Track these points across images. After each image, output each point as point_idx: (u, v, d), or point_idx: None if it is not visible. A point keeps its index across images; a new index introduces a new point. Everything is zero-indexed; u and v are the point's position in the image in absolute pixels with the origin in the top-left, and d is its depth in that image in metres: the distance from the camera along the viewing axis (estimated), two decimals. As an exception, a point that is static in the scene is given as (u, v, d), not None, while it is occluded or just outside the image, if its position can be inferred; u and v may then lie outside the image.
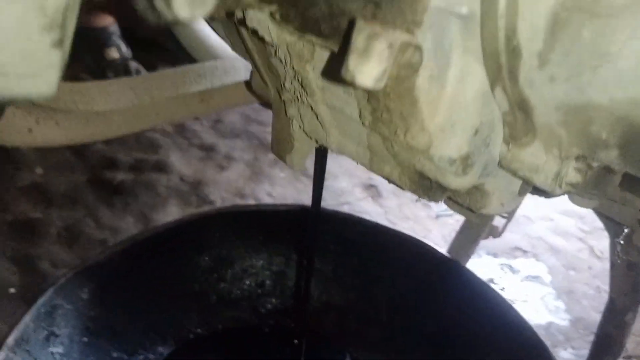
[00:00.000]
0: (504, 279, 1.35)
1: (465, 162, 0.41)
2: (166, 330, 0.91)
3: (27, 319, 0.78)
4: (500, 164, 0.43)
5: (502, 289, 1.30)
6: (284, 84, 0.50)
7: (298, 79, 0.47)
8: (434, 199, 0.46)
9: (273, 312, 1.00)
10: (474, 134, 0.40)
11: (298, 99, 0.50)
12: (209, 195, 1.35)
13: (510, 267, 1.38)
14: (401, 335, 0.95)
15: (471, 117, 0.40)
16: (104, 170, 1.37)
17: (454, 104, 0.39)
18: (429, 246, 0.97)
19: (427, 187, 0.46)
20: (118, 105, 0.59)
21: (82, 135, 0.58)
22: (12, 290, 1.05)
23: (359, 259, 0.99)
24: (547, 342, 0.83)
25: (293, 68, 0.46)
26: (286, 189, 1.45)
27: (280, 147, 0.56)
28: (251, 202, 1.39)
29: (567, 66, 0.35)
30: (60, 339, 0.82)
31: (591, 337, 0.82)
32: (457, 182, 0.43)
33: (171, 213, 1.28)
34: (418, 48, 0.34)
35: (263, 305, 1.00)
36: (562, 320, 1.25)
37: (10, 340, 0.74)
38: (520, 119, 0.39)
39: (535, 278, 1.36)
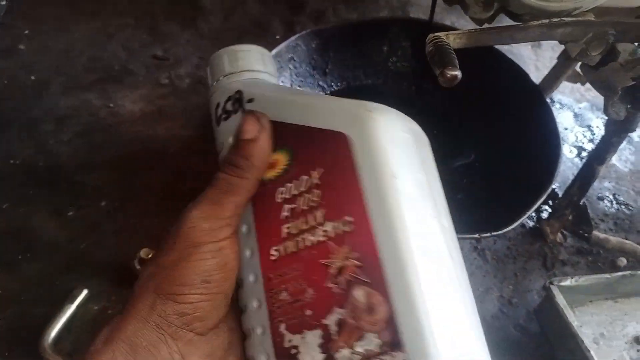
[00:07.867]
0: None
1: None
2: (346, 75, 1.56)
3: (282, 46, 1.48)
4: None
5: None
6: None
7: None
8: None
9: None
10: None
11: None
12: (409, 13, 1.90)
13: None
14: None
15: None
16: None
17: None
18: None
19: None
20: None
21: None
22: (277, 36, 1.80)
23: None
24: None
25: None
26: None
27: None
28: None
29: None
30: (296, 62, 1.52)
31: None
32: None
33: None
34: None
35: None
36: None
37: (273, 53, 1.46)
38: None
39: None
